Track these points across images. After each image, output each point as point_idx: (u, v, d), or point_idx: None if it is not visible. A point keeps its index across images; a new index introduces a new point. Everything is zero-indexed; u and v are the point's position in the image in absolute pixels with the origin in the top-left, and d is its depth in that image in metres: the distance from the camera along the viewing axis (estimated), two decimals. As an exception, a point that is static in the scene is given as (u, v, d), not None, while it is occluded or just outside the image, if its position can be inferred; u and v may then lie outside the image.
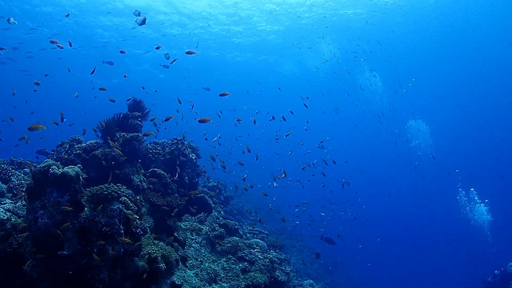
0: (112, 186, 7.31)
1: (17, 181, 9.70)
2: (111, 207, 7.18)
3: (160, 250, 9.01)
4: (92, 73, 9.08)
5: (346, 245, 19.84)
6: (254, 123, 11.43)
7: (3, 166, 9.87)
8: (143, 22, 9.30)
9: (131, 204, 7.95)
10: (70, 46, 10.67)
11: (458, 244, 47.42)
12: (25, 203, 8.49)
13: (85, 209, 7.05)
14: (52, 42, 8.57)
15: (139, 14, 11.36)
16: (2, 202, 9.17)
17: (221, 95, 8.85)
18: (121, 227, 7.44)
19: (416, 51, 31.86)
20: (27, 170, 11.78)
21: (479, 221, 28.63)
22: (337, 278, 20.29)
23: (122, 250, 7.47)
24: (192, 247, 11.23)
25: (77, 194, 6.79)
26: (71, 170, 6.67)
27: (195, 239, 11.60)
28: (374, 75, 33.49)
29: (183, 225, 11.73)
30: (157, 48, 10.22)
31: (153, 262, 8.71)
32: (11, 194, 9.41)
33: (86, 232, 6.96)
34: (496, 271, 16.04)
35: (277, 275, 12.14)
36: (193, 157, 12.44)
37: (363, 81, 34.23)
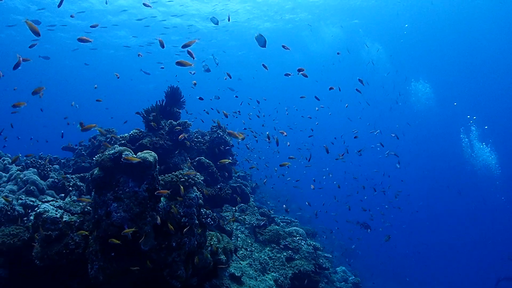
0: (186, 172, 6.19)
1: (56, 176, 8.43)
2: (188, 195, 6.08)
3: (221, 241, 7.93)
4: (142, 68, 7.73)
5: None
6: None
7: (40, 161, 8.59)
8: (264, 43, 7.67)
9: (198, 193, 6.83)
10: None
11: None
12: (75, 198, 7.31)
13: (161, 199, 5.92)
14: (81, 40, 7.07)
15: (217, 23, 10.19)
16: (44, 200, 7.95)
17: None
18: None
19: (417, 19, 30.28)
20: (57, 166, 10.48)
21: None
22: (356, 265, 19.45)
23: (196, 242, 6.37)
24: (239, 237, 10.17)
25: (155, 182, 5.65)
26: (148, 155, 5.55)
27: (240, 229, 10.54)
28: (377, 50, 32.54)
29: (226, 215, 10.65)
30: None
31: (215, 254, 7.61)
32: (52, 191, 8.16)
33: (163, 225, 5.82)
34: None
35: (321, 262, 11.20)
36: (231, 144, 11.34)
37: (367, 56, 33.28)
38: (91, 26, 10.12)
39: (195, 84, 8.51)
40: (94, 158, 9.43)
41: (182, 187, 5.85)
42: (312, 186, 10.55)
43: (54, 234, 6.18)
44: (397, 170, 16.11)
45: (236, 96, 11.89)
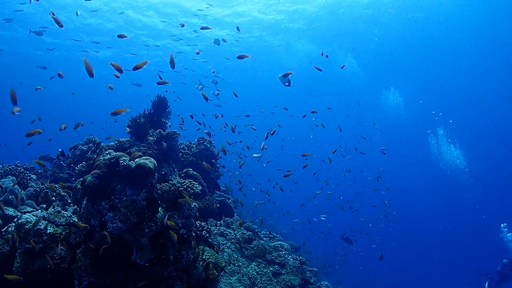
0: (186, 182, 5.79)
1: (37, 185, 7.80)
2: (188, 205, 5.65)
3: (213, 256, 7.50)
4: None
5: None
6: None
7: (19, 169, 7.93)
8: (288, 83, 7.39)
9: (195, 203, 6.41)
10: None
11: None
12: (59, 209, 6.73)
13: (159, 209, 5.49)
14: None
15: (219, 43, 9.99)
16: (23, 210, 7.31)
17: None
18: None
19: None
20: (34, 177, 9.77)
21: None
22: (340, 279, 19.12)
23: (192, 256, 5.93)
24: (225, 252, 9.72)
25: (154, 191, 5.23)
26: (148, 161, 5.13)
27: (226, 243, 10.10)
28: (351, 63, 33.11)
29: (211, 229, 10.19)
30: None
31: (206, 268, 7.15)
32: (32, 201, 7.52)
33: (160, 237, 5.38)
34: (504, 260, 15.55)
35: (308, 276, 10.88)
36: (218, 156, 10.96)
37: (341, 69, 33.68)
38: (51, 13, 9.54)
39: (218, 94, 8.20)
40: (76, 168, 8.86)
41: (187, 196, 5.44)
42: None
43: (37, 247, 5.63)
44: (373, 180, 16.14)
45: (222, 116, 11.63)
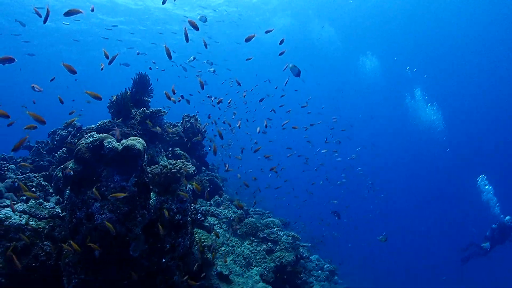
0: (178, 162, 5.19)
1: (15, 176, 7.05)
2: (182, 188, 5.08)
3: (208, 238, 6.99)
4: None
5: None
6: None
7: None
8: (298, 73, 6.84)
9: (190, 186, 5.82)
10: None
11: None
12: (41, 200, 6.06)
13: (151, 194, 4.90)
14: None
15: (205, 20, 9.39)
16: (2, 204, 6.58)
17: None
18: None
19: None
20: (12, 166, 8.95)
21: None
22: (327, 253, 18.96)
23: (188, 242, 5.40)
24: (218, 232, 9.23)
25: (145, 175, 4.62)
26: (136, 142, 4.51)
27: (217, 224, 9.60)
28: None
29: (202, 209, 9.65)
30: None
31: (202, 252, 6.63)
32: (11, 194, 6.79)
33: (154, 225, 4.81)
34: (493, 225, 15.44)
35: (302, 252, 10.55)
36: (205, 130, 10.32)
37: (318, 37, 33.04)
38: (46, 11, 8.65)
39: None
40: (56, 154, 8.12)
41: (185, 180, 4.86)
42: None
43: (20, 244, 5.00)
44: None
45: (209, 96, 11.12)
